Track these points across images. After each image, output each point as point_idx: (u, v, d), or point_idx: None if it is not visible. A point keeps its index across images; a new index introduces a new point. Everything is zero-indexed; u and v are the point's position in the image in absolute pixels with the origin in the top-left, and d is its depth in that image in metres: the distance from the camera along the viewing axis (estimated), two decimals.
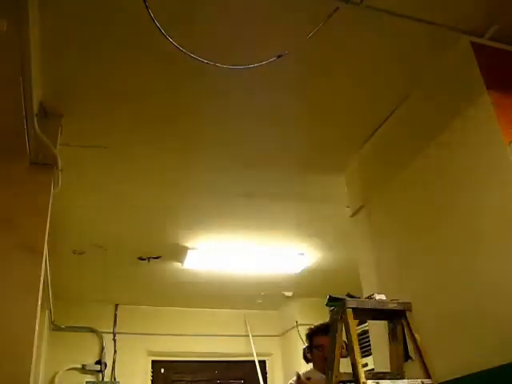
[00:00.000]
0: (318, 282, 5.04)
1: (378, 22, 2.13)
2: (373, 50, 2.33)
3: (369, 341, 2.86)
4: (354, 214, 3.13)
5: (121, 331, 5.33)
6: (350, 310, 1.76)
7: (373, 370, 2.57)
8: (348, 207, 3.22)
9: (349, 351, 1.75)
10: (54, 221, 2.58)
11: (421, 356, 1.81)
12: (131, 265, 4.46)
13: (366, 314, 1.86)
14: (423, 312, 2.37)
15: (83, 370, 5.07)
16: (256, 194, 3.47)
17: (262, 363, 5.82)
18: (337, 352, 1.79)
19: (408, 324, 1.81)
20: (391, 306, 1.85)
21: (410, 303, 1.86)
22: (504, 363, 1.83)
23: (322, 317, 5.62)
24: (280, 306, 5.79)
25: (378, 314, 1.89)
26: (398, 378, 1.82)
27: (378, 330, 2.73)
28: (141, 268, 4.53)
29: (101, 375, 5.11)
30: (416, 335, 1.79)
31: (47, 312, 4.51)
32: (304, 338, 2.88)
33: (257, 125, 2.79)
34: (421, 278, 2.43)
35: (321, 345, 2.50)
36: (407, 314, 1.83)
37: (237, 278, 4.84)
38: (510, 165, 1.96)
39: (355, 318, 1.78)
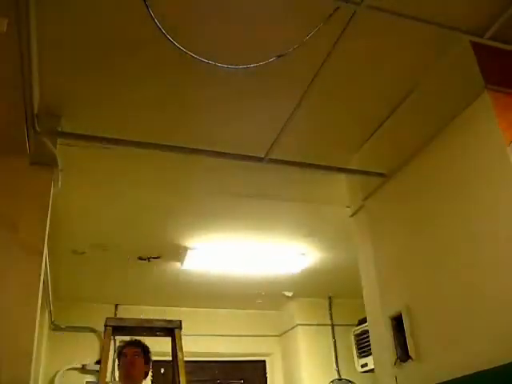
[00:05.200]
0: (318, 282, 5.04)
1: (378, 22, 2.13)
2: (372, 50, 2.32)
3: (369, 341, 2.86)
4: (353, 214, 3.14)
5: None
6: (110, 328, 1.82)
7: (372, 370, 2.57)
8: (348, 207, 3.22)
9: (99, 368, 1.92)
10: (54, 221, 2.59)
11: (178, 374, 1.98)
12: (131, 265, 4.46)
13: (129, 331, 1.95)
14: (422, 311, 2.38)
15: (83, 370, 5.05)
16: (256, 194, 3.47)
17: (262, 363, 5.82)
18: (103, 365, 2.02)
19: (175, 340, 1.90)
20: (158, 324, 1.95)
21: (179, 321, 1.94)
22: (504, 363, 1.83)
23: (322, 317, 5.68)
24: (280, 306, 5.79)
25: (145, 330, 2.04)
26: None
27: (378, 329, 2.73)
28: (141, 268, 4.53)
29: None
30: (179, 353, 1.88)
31: (47, 312, 4.51)
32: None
33: (257, 125, 2.79)
34: (420, 278, 2.43)
35: (124, 353, 2.64)
36: (176, 331, 1.91)
37: (237, 278, 4.84)
38: (509, 165, 1.96)
39: (118, 334, 1.87)
